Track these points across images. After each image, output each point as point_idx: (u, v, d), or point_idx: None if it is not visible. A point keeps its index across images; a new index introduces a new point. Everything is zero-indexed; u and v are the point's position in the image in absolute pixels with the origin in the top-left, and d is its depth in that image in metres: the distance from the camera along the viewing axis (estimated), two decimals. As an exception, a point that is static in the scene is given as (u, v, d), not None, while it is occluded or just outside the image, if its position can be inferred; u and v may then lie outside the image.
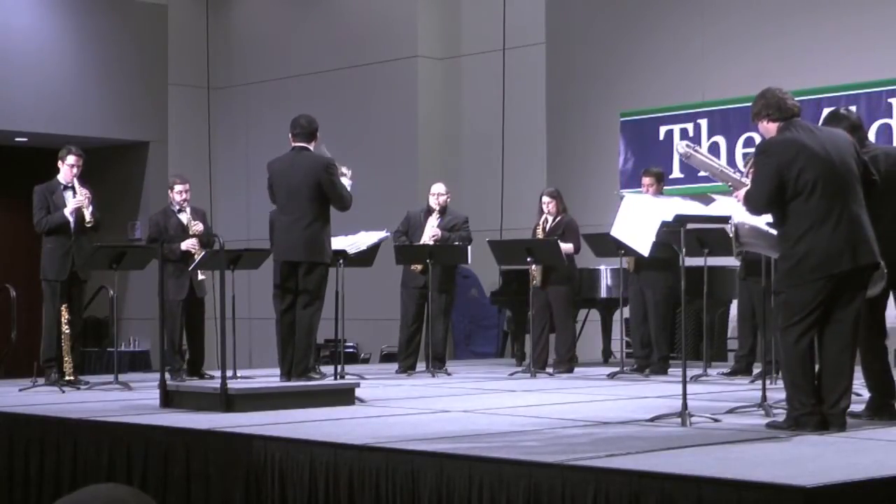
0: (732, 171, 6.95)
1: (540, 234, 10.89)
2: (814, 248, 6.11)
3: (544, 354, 10.97)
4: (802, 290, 6.15)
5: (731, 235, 6.62)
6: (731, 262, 10.62)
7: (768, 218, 6.44)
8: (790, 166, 6.14)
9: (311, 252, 8.39)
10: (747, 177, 6.65)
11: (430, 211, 11.06)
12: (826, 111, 11.59)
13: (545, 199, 10.99)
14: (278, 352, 8.73)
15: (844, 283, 6.18)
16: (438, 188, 11.10)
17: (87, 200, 9.62)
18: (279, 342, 8.66)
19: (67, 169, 9.70)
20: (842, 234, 6.12)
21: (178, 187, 10.11)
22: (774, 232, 6.39)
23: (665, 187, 11.12)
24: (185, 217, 10.05)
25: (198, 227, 9.98)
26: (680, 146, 7.04)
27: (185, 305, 9.97)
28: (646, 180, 10.56)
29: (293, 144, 8.61)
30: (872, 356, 6.82)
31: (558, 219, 10.93)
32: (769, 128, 6.37)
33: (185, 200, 10.08)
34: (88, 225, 9.62)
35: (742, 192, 6.48)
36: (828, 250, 6.10)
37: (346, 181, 8.92)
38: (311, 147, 8.59)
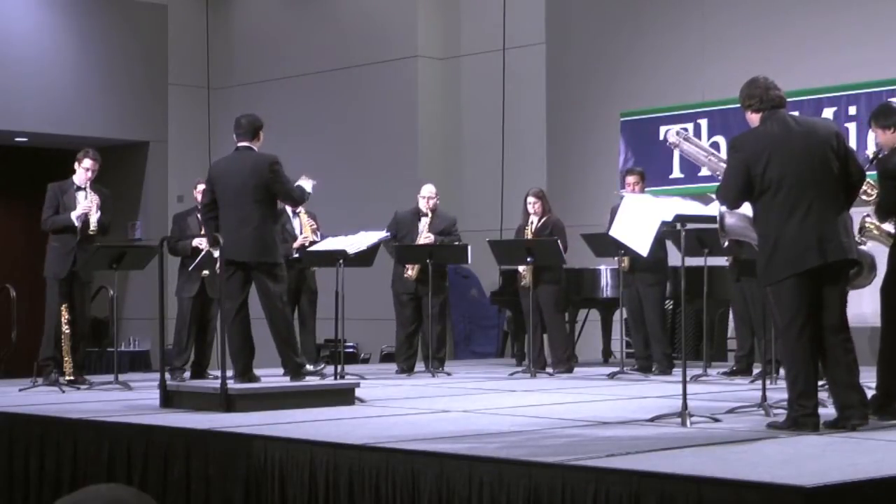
0: (719, 160, 6.93)
1: (529, 235, 10.89)
2: (781, 244, 6.13)
3: (542, 355, 10.97)
4: (782, 290, 6.16)
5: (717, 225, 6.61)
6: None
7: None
8: (756, 162, 6.18)
9: (262, 252, 8.16)
10: None
11: (419, 213, 11.03)
12: (826, 111, 11.69)
13: (530, 199, 10.98)
14: (232, 354, 8.11)
15: (819, 280, 6.17)
16: (428, 191, 11.05)
17: (94, 206, 9.64)
18: (233, 344, 8.09)
19: (83, 172, 9.75)
20: (808, 231, 6.12)
21: (200, 187, 10.16)
22: None
23: (665, 187, 11.13)
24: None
25: None
26: (670, 134, 7.03)
27: (196, 304, 9.97)
28: (631, 179, 10.60)
29: (237, 144, 8.47)
30: (890, 354, 6.79)
31: (544, 219, 10.92)
32: (752, 118, 6.43)
33: None
34: (92, 233, 9.63)
35: None
36: (794, 247, 6.11)
37: (306, 183, 8.76)
38: (255, 146, 8.38)
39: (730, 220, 6.51)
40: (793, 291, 6.12)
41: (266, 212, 8.23)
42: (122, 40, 16.16)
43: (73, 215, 9.60)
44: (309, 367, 8.65)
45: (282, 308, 8.27)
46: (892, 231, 6.86)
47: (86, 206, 9.62)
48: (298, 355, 8.44)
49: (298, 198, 8.60)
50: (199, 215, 10.15)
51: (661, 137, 13.11)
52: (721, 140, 12.62)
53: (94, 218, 9.61)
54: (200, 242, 9.86)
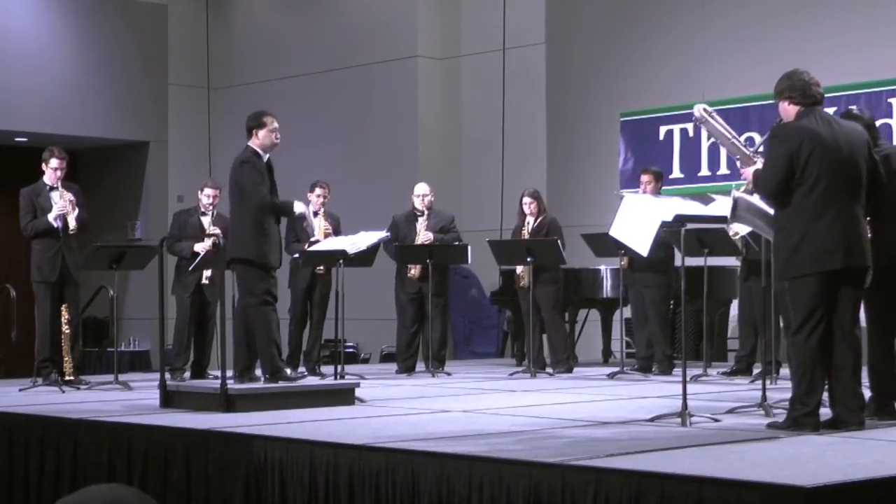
0: (744, 144, 6.91)
1: (526, 236, 10.89)
2: (807, 242, 6.11)
3: (541, 355, 10.97)
4: (800, 289, 6.15)
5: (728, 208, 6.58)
6: (731, 262, 10.65)
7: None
8: (800, 154, 6.14)
9: (234, 248, 8.07)
10: (758, 154, 6.64)
11: (416, 213, 11.01)
12: (826, 111, 11.65)
13: (526, 199, 10.98)
14: (235, 351, 8.29)
15: (839, 283, 6.18)
16: (422, 189, 11.03)
17: (70, 206, 9.58)
18: (237, 341, 8.23)
19: (51, 172, 9.68)
20: (837, 233, 6.12)
21: (207, 190, 10.13)
22: (772, 211, 6.38)
23: (665, 187, 11.12)
24: (206, 220, 10.07)
25: (215, 230, 9.95)
26: (697, 109, 6.99)
27: (195, 302, 9.96)
28: (644, 178, 10.58)
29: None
30: (881, 355, 6.80)
31: (540, 219, 10.92)
32: (789, 109, 6.35)
33: (212, 205, 10.10)
34: (72, 232, 9.58)
35: (750, 169, 6.47)
36: (821, 247, 6.11)
37: (298, 206, 8.35)
38: (253, 143, 8.20)
39: (743, 206, 6.49)
40: (812, 289, 6.12)
41: (249, 211, 8.03)
42: (122, 40, 16.16)
43: (51, 217, 9.55)
44: (287, 371, 8.45)
45: (253, 309, 8.01)
46: (869, 235, 6.85)
47: (61, 206, 9.57)
48: (278, 359, 8.27)
49: (253, 199, 7.99)
50: (200, 217, 10.15)
51: (662, 137, 13.15)
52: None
53: (72, 217, 9.57)
54: (203, 248, 9.83)
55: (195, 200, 10.41)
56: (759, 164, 6.46)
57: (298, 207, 8.40)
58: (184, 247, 9.95)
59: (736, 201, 6.47)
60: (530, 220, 10.93)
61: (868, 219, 6.62)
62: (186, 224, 10.13)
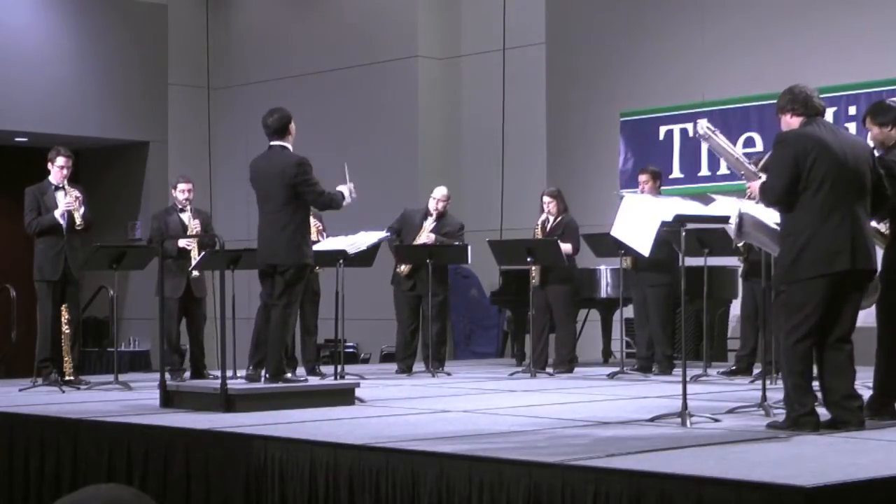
0: (748, 161, 6.94)
1: (540, 234, 10.88)
2: (813, 244, 6.13)
3: (544, 355, 10.97)
4: (801, 290, 6.16)
5: (734, 225, 6.59)
6: (732, 262, 10.66)
7: (775, 215, 6.45)
8: (805, 157, 6.17)
9: (289, 255, 8.04)
10: (760, 170, 6.67)
11: (427, 214, 11.02)
12: (830, 111, 11.66)
13: (546, 198, 10.98)
14: (256, 343, 8.46)
15: (843, 285, 6.18)
16: (440, 192, 11.02)
17: (77, 202, 9.61)
18: (259, 335, 8.39)
19: (57, 170, 9.70)
20: (843, 234, 6.14)
21: (181, 186, 10.14)
22: (778, 228, 6.40)
23: (665, 187, 11.13)
24: (186, 216, 10.07)
25: (196, 225, 9.98)
26: (700, 126, 7.01)
27: (182, 304, 9.97)
28: (642, 178, 10.58)
29: (270, 143, 8.33)
30: (887, 356, 6.79)
31: (559, 219, 10.92)
32: (792, 122, 6.39)
33: (187, 200, 10.10)
34: (79, 227, 9.60)
35: (756, 184, 6.50)
36: (827, 248, 6.12)
37: (343, 188, 8.50)
38: (287, 143, 8.25)
39: (748, 222, 6.50)
40: (814, 292, 6.13)
41: (297, 214, 8.08)
42: (122, 40, 16.16)
43: (57, 213, 9.57)
44: (288, 375, 8.47)
45: (282, 308, 8.10)
46: (884, 230, 6.86)
47: (68, 202, 9.59)
48: (284, 360, 8.30)
49: (327, 202, 8.29)
50: (180, 214, 10.12)
51: (661, 137, 13.15)
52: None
53: (78, 214, 9.59)
54: (188, 243, 9.84)
55: (173, 199, 10.36)
56: (765, 179, 6.49)
57: (344, 195, 8.48)
58: (170, 245, 9.89)
59: (741, 218, 6.49)
60: (549, 218, 10.92)
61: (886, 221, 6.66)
62: (167, 223, 10.08)
